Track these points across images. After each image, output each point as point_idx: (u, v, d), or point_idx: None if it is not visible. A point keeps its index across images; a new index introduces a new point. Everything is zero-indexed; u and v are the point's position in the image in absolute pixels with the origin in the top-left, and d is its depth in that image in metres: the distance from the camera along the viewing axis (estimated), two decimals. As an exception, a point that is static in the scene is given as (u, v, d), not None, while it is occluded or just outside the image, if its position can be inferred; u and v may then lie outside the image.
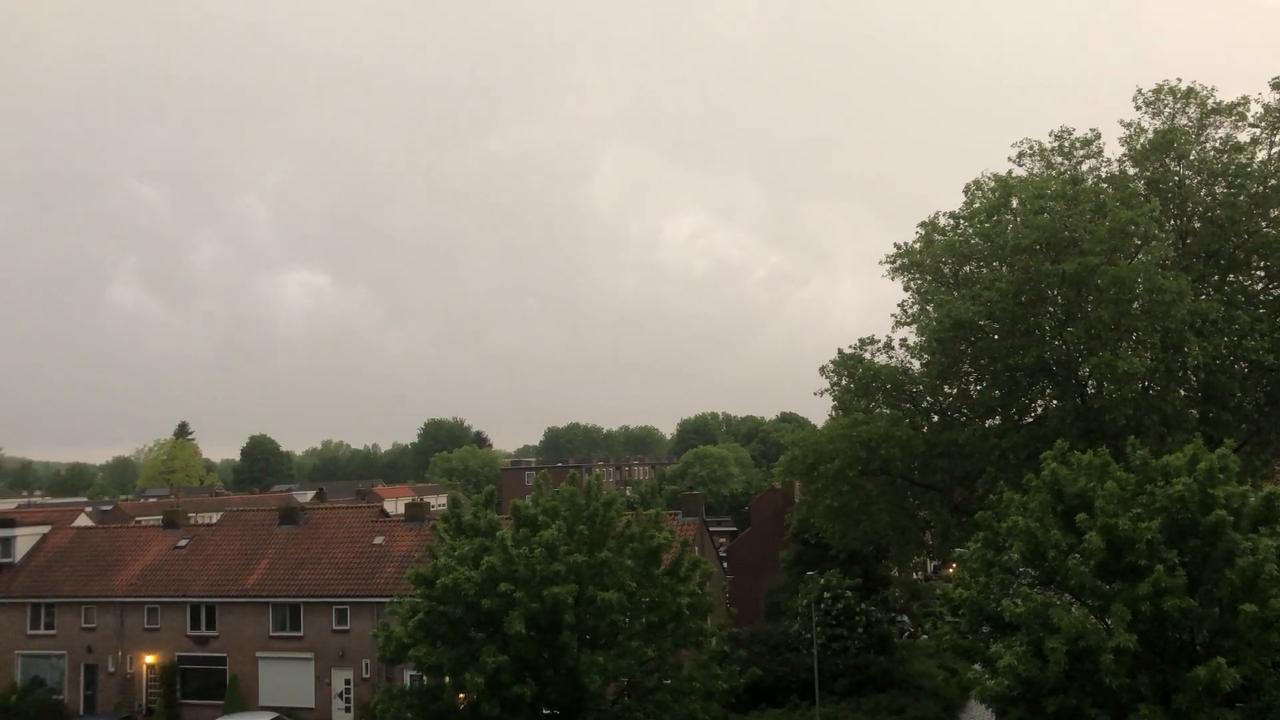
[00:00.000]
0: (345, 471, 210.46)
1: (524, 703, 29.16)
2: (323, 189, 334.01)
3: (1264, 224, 37.44)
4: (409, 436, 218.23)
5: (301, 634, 49.28)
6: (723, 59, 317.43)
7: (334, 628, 48.74)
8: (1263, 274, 38.45)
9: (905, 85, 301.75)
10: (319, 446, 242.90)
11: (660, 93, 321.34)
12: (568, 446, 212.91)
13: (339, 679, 48.66)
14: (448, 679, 30.70)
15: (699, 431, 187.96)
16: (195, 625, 51.11)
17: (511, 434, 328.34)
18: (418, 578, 31.59)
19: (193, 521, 59.13)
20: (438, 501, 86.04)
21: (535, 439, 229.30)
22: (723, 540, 74.60)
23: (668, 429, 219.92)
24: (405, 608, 31.88)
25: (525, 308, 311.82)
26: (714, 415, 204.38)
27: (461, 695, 30.69)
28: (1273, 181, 37.31)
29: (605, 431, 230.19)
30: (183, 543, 54.53)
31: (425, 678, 31.72)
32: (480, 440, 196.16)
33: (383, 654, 32.28)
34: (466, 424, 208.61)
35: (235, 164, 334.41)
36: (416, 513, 52.80)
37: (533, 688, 29.32)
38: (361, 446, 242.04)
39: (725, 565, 65.29)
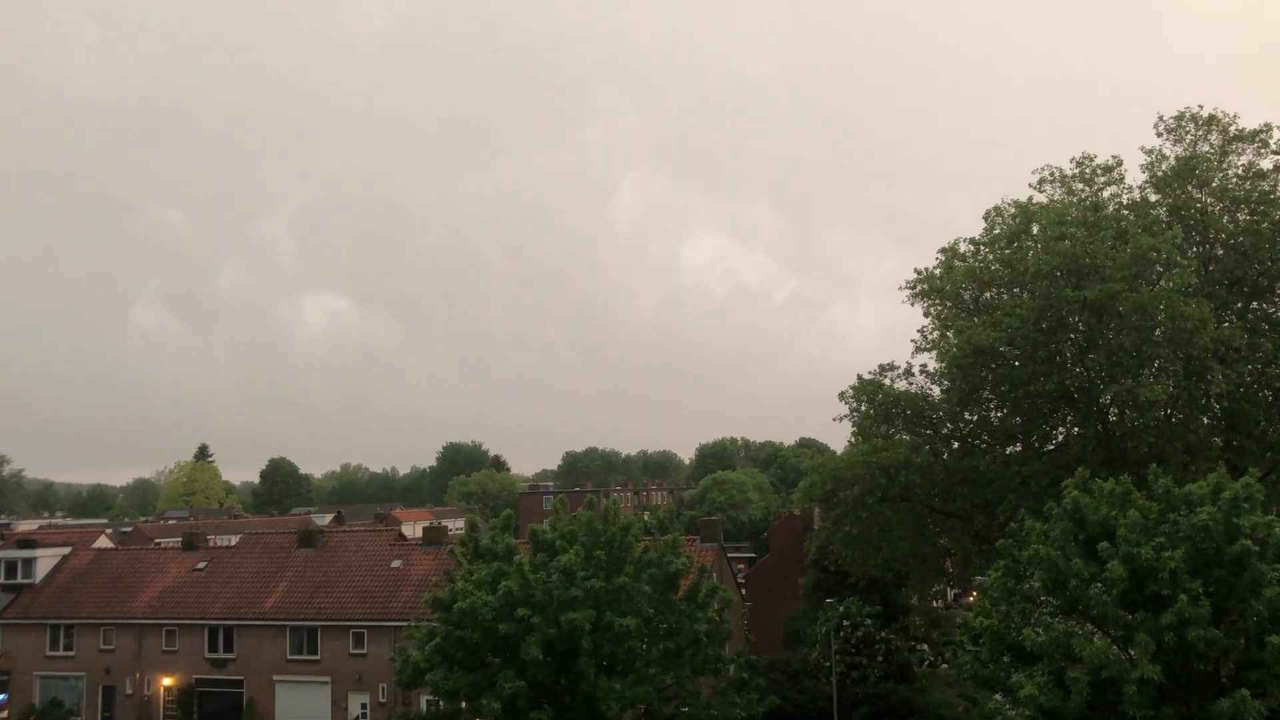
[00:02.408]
0: (364, 495, 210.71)
1: (541, 729, 29.01)
2: (344, 213, 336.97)
3: (1287, 252, 37.18)
4: (427, 460, 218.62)
5: (319, 657, 49.22)
6: (742, 85, 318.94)
7: (351, 651, 48.67)
8: (1287, 302, 38.17)
9: (925, 112, 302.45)
10: (338, 469, 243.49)
11: (679, 118, 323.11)
12: (586, 471, 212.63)
13: (355, 703, 48.54)
14: (464, 704, 30.60)
15: (717, 456, 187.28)
16: (213, 648, 51.15)
17: (529, 458, 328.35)
18: (435, 602, 31.56)
19: (212, 544, 59.34)
20: (455, 525, 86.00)
21: (553, 463, 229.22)
22: (741, 566, 74.25)
23: (686, 454, 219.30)
24: (422, 632, 31.84)
25: (544, 332, 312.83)
26: (733, 440, 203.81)
27: (478, 720, 30.59)
28: (1296, 209, 37.10)
29: (623, 456, 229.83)
30: (201, 565, 54.67)
31: (442, 702, 31.62)
32: (498, 464, 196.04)
33: (399, 678, 32.22)
34: (484, 448, 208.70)
35: (258, 189, 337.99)
36: (434, 536, 52.79)
37: (549, 714, 29.17)
38: (380, 470, 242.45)
39: (744, 592, 64.92)
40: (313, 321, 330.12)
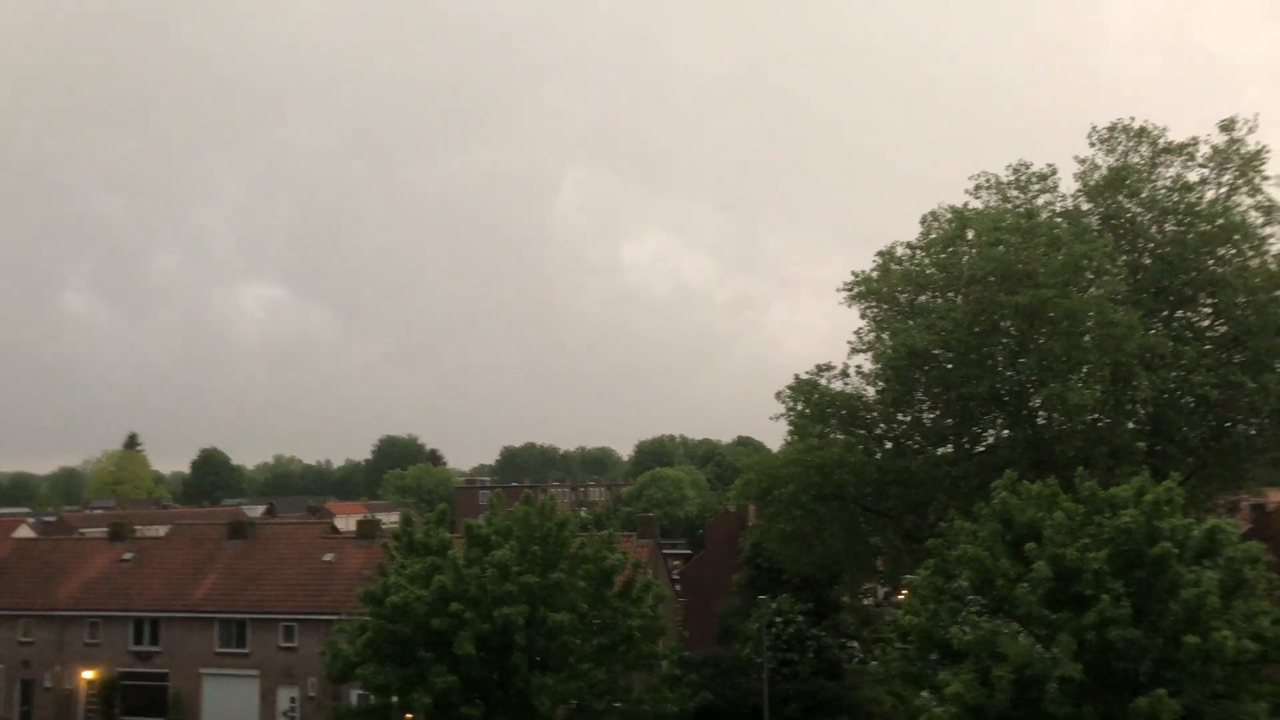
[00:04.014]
0: (297, 487, 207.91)
1: (472, 724, 28.93)
2: (284, 203, 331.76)
3: (1211, 262, 38.26)
4: (362, 453, 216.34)
5: (248, 651, 48.49)
6: (688, 85, 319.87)
7: (281, 645, 48.02)
8: (1210, 310, 39.25)
9: (866, 117, 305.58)
10: (271, 461, 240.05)
11: (624, 116, 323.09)
12: (524, 466, 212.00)
13: (285, 697, 47.89)
14: (395, 699, 30.39)
15: (656, 454, 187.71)
16: (138, 640, 50.13)
17: (467, 453, 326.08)
18: (367, 596, 31.29)
19: (139, 534, 58.10)
20: (390, 520, 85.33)
21: (491, 458, 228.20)
22: (677, 563, 74.54)
23: (625, 450, 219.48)
24: (354, 626, 31.54)
25: (485, 327, 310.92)
26: (671, 438, 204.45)
27: (409, 715, 30.38)
28: (1220, 221, 38.15)
29: (562, 452, 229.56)
30: (128, 555, 53.54)
31: (372, 697, 31.37)
32: (434, 458, 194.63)
33: (330, 672, 31.91)
34: (421, 442, 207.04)
35: (196, 176, 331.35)
36: (368, 530, 52.27)
37: (481, 709, 29.09)
38: (314, 462, 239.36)
39: (679, 588, 65.20)
40: (249, 311, 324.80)
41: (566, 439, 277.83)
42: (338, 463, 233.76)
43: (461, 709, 28.64)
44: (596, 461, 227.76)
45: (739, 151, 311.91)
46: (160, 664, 49.61)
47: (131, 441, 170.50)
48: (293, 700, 47.82)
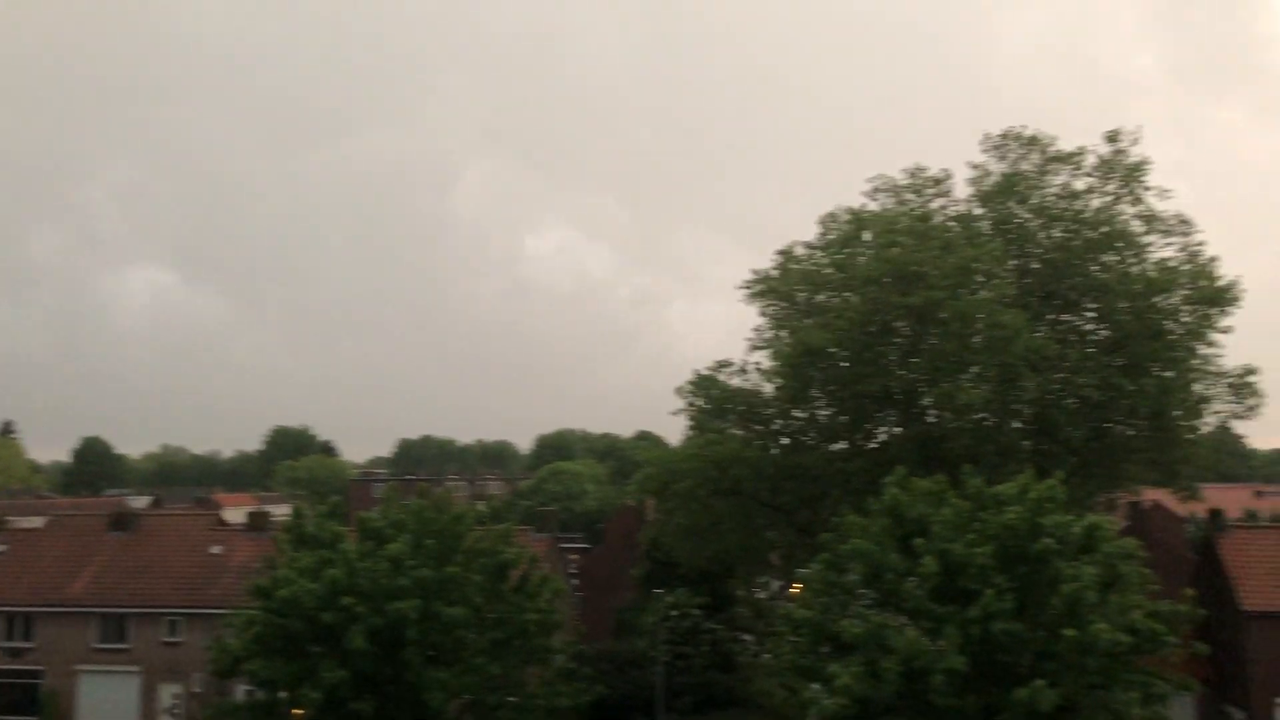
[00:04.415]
0: (184, 477, 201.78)
1: (363, 719, 28.49)
2: (174, 184, 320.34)
3: (1095, 268, 39.62)
4: (254, 443, 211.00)
5: (129, 646, 46.92)
6: (594, 79, 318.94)
7: (164, 640, 46.60)
8: (1093, 315, 40.64)
9: (770, 116, 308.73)
10: (157, 450, 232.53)
11: (528, 106, 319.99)
12: (420, 459, 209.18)
13: (167, 694, 46.50)
14: (284, 694, 29.77)
15: (556, 447, 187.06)
16: (10, 636, 48.06)
17: (362, 445, 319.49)
18: (256, 589, 30.60)
19: (13, 526, 55.68)
20: (281, 512, 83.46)
21: (387, 450, 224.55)
22: (575, 557, 74.45)
23: (525, 444, 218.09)
24: (241, 620, 30.81)
25: (383, 316, 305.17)
26: (572, 432, 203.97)
27: (298, 711, 29.77)
28: (1104, 228, 39.54)
29: (460, 445, 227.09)
30: (1, 548, 51.33)
31: (260, 693, 30.68)
32: (328, 450, 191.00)
33: (215, 667, 31.14)
34: (314, 433, 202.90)
35: (80, 154, 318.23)
36: (258, 522, 51.10)
37: (372, 704, 28.67)
38: (203, 452, 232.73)
39: (577, 582, 65.14)
40: (135, 295, 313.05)
41: (465, 432, 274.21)
42: (227, 453, 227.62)
43: (352, 704, 28.18)
44: (495, 455, 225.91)
45: (644, 147, 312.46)
46: (34, 660, 47.67)
47: (5, 429, 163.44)
48: (175, 697, 46.47)
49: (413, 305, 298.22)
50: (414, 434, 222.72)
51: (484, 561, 31.28)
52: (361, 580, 29.33)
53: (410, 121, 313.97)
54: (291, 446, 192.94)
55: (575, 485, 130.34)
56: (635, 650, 47.19)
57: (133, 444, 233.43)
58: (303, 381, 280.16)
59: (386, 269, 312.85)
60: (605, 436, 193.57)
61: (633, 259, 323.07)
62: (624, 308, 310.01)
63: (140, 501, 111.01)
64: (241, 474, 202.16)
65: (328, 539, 31.65)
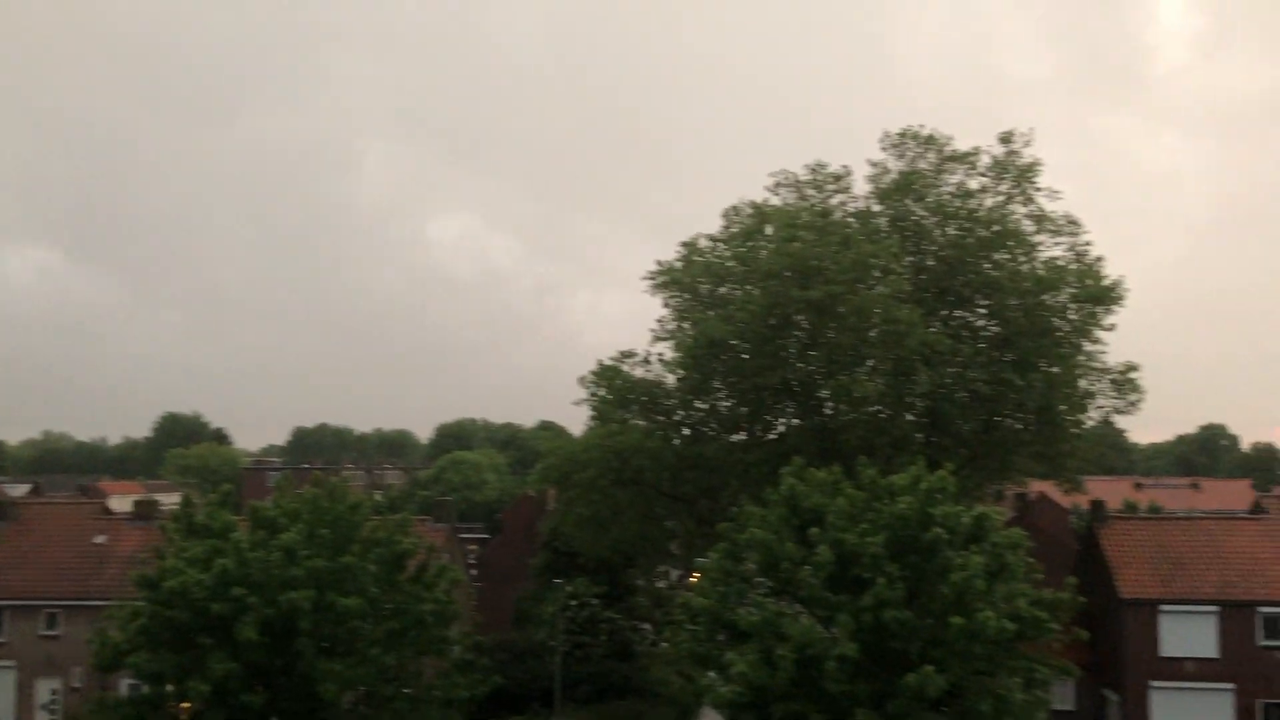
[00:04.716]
0: (68, 465, 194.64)
1: (253, 712, 27.88)
2: (62, 161, 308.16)
3: (988, 265, 40.71)
4: (142, 430, 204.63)
5: (3, 640, 45.10)
6: (500, 67, 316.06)
7: (41, 633, 44.88)
8: (985, 311, 41.77)
9: (675, 108, 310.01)
10: (39, 437, 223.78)
11: (432, 91, 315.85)
12: (316, 448, 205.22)
13: (45, 689, 44.80)
14: (170, 688, 28.95)
15: (456, 437, 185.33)
16: (-125, 630, 45.73)
17: (256, 433, 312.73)
18: (141, 580, 29.65)
19: (-121, 515, 52.92)
20: (170, 501, 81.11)
21: (282, 439, 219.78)
22: (474, 547, 73.99)
23: (424, 433, 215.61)
24: (126, 612, 29.82)
25: (279, 301, 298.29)
26: (472, 421, 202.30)
27: (185, 705, 28.97)
28: (997, 227, 40.65)
29: (357, 434, 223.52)
30: None
31: (145, 687, 29.78)
32: (220, 437, 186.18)
33: (97, 661, 30.08)
34: (205, 419, 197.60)
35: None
36: (145, 511, 49.54)
37: (264, 696, 28.05)
38: (88, 439, 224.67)
39: (475, 573, 64.74)
40: (17, 275, 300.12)
41: (363, 420, 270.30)
42: (114, 440, 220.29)
43: (242, 697, 27.53)
44: (394, 444, 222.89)
45: (548, 136, 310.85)
46: (-102, 656, 45.47)
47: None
48: (54, 692, 44.81)
49: (310, 290, 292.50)
50: (310, 422, 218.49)
51: (380, 551, 30.81)
52: (253, 570, 28.64)
53: (310, 102, 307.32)
54: (182, 434, 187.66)
55: (475, 475, 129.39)
56: (534, 640, 47.13)
57: (12, 430, 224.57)
58: (195, 367, 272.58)
59: (284, 252, 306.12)
60: (506, 426, 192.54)
61: (537, 248, 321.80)
62: (527, 297, 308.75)
63: (18, 490, 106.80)
64: (129, 462, 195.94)
65: (218, 528, 30.81)
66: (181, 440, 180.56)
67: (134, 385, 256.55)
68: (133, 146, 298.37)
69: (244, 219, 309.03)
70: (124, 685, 39.19)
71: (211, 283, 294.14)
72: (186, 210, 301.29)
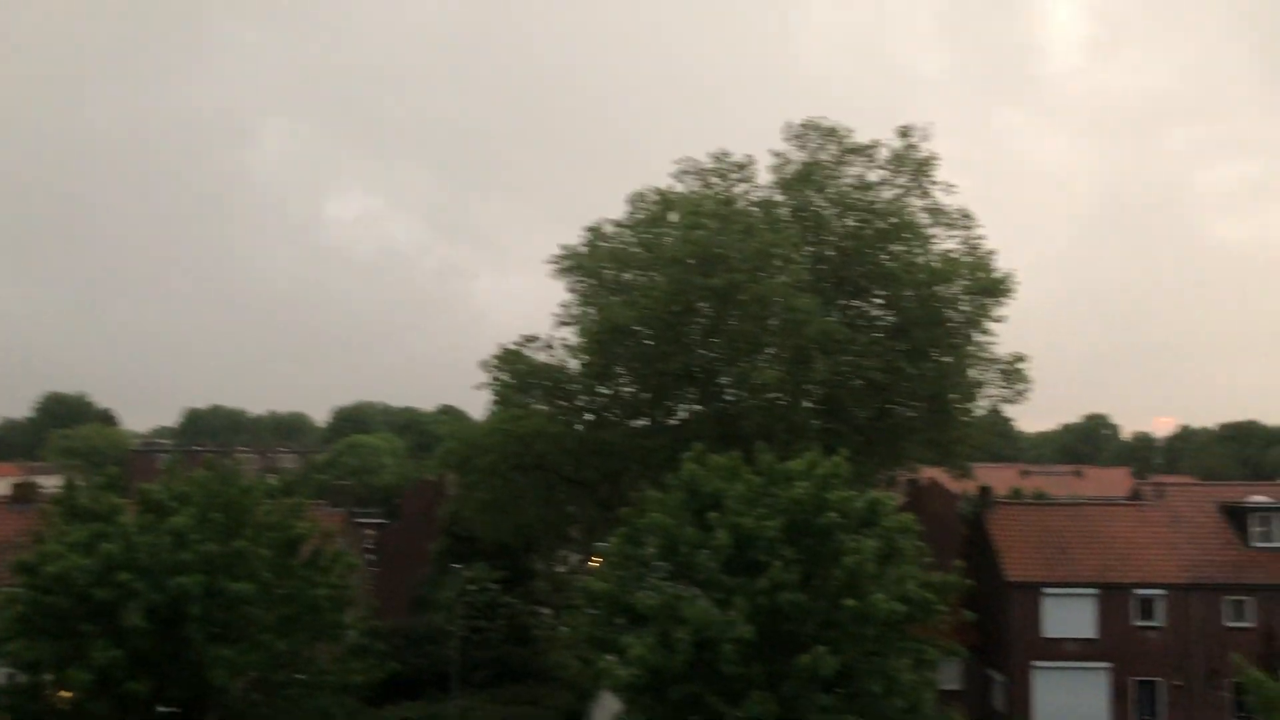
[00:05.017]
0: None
1: (139, 700, 27.15)
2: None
3: (885, 257, 41.54)
4: (23, 410, 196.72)
5: None
6: (404, 44, 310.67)
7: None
8: (881, 301, 42.66)
9: (581, 91, 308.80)
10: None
11: (331, 66, 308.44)
12: (208, 430, 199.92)
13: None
14: (50, 676, 28.02)
15: (354, 420, 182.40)
16: None
17: (145, 414, 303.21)
18: (19, 565, 28.59)
19: None
20: (52, 483, 78.21)
21: (172, 420, 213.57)
22: (371, 532, 73.07)
23: (321, 416, 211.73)
24: (1, 598, 28.74)
25: (170, 278, 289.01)
26: (371, 404, 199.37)
27: (65, 694, 28.06)
28: (894, 219, 41.49)
29: (251, 416, 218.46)
30: None
31: (22, 675, 28.76)
32: (107, 418, 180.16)
33: (-31, 650, 28.90)
34: (91, 399, 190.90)
35: None
36: (24, 494, 47.76)
37: (150, 684, 27.32)
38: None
39: (373, 558, 63.97)
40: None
41: (257, 402, 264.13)
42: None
43: (127, 685, 26.76)
44: (290, 427, 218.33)
45: (453, 116, 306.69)
46: None
47: None
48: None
49: (203, 268, 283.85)
50: (202, 403, 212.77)
51: (273, 536, 30.21)
52: (141, 555, 27.84)
53: (203, 74, 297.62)
54: (66, 414, 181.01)
55: (373, 459, 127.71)
56: (431, 625, 46.78)
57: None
58: (80, 345, 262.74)
59: (175, 228, 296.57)
60: (406, 410, 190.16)
61: (439, 229, 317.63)
62: (429, 278, 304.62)
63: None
64: (7, 443, 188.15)
65: (104, 512, 29.85)
66: (65, 421, 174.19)
67: (14, 364, 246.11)
68: (13, 116, 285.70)
69: (133, 192, 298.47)
70: (1, 674, 37.79)
71: (97, 257, 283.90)
72: (70, 181, 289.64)
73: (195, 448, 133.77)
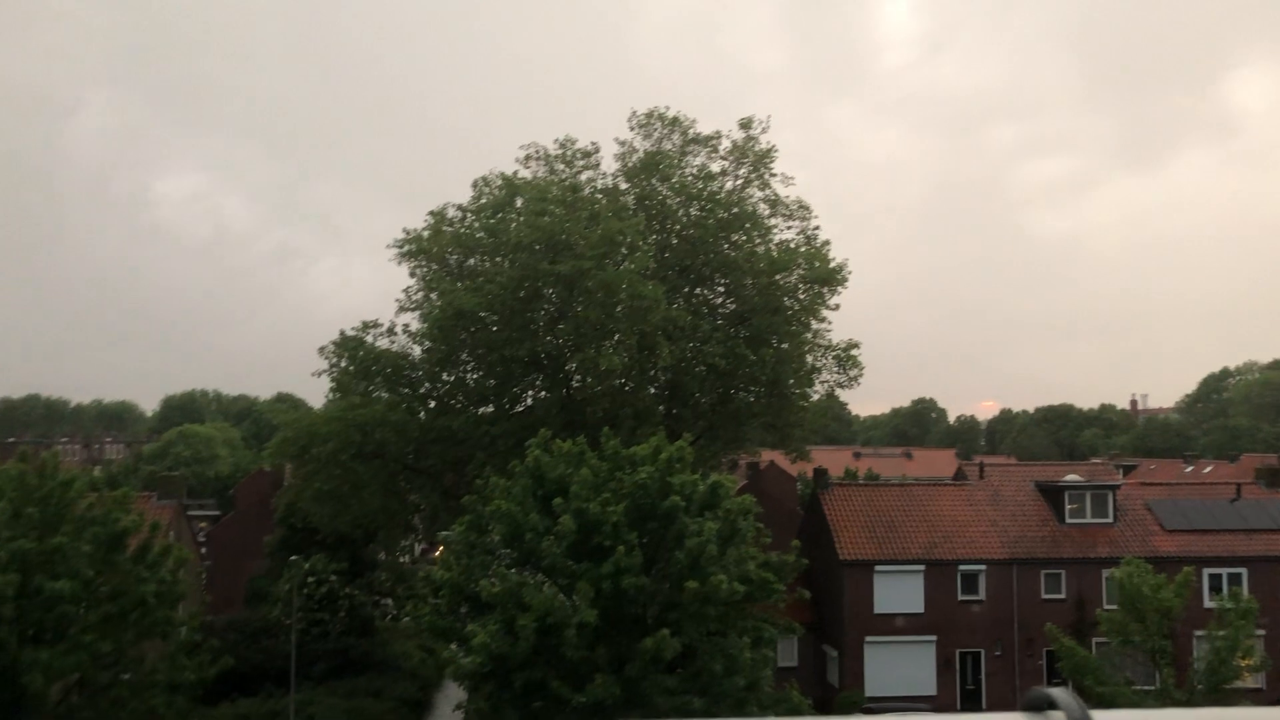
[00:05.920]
0: None
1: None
2: None
3: (726, 246, 42.42)
4: None
5: None
6: (235, 16, 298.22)
7: None
8: (723, 289, 43.56)
9: (423, 73, 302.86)
10: None
11: (161, 38, 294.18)
12: (25, 421, 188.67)
13: None
14: None
15: (185, 409, 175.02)
16: None
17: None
18: None
19: None
20: None
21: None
22: (204, 524, 70.45)
23: (150, 405, 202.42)
24: None
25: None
26: (204, 392, 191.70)
27: None
28: (735, 210, 42.37)
29: (73, 405, 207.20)
30: None
31: None
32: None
33: None
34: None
35: None
36: None
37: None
38: None
39: (206, 550, 61.70)
40: None
41: (80, 391, 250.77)
42: None
43: (-69, 694, 25.15)
44: (115, 416, 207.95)
45: (287, 94, 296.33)
46: None
47: None
48: None
49: (17, 246, 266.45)
50: (18, 393, 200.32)
51: (96, 530, 28.77)
52: (-54, 554, 26.15)
53: (19, 39, 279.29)
54: None
55: (206, 449, 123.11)
56: (268, 619, 45.49)
57: None
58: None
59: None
60: (240, 398, 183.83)
61: (276, 211, 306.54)
62: (265, 262, 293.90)
63: None
64: None
65: (-97, 509, 27.89)
66: None
67: None
68: None
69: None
70: None
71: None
72: None
73: (10, 440, 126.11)
